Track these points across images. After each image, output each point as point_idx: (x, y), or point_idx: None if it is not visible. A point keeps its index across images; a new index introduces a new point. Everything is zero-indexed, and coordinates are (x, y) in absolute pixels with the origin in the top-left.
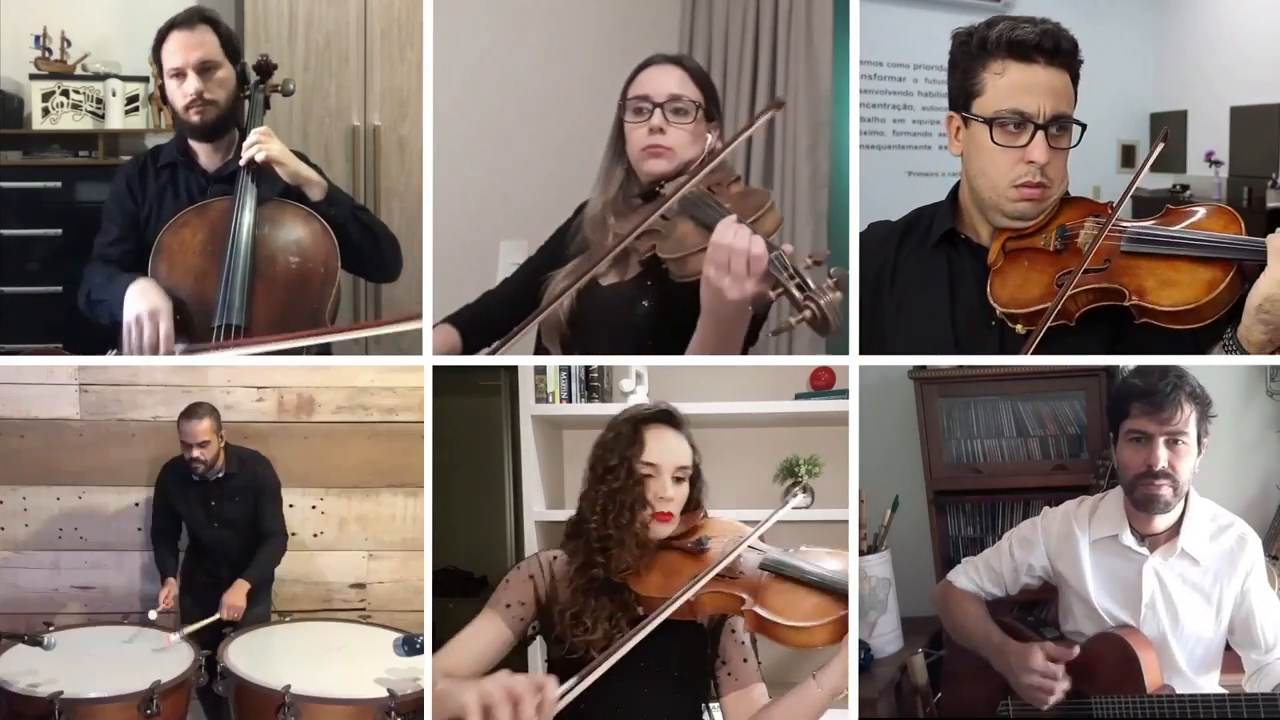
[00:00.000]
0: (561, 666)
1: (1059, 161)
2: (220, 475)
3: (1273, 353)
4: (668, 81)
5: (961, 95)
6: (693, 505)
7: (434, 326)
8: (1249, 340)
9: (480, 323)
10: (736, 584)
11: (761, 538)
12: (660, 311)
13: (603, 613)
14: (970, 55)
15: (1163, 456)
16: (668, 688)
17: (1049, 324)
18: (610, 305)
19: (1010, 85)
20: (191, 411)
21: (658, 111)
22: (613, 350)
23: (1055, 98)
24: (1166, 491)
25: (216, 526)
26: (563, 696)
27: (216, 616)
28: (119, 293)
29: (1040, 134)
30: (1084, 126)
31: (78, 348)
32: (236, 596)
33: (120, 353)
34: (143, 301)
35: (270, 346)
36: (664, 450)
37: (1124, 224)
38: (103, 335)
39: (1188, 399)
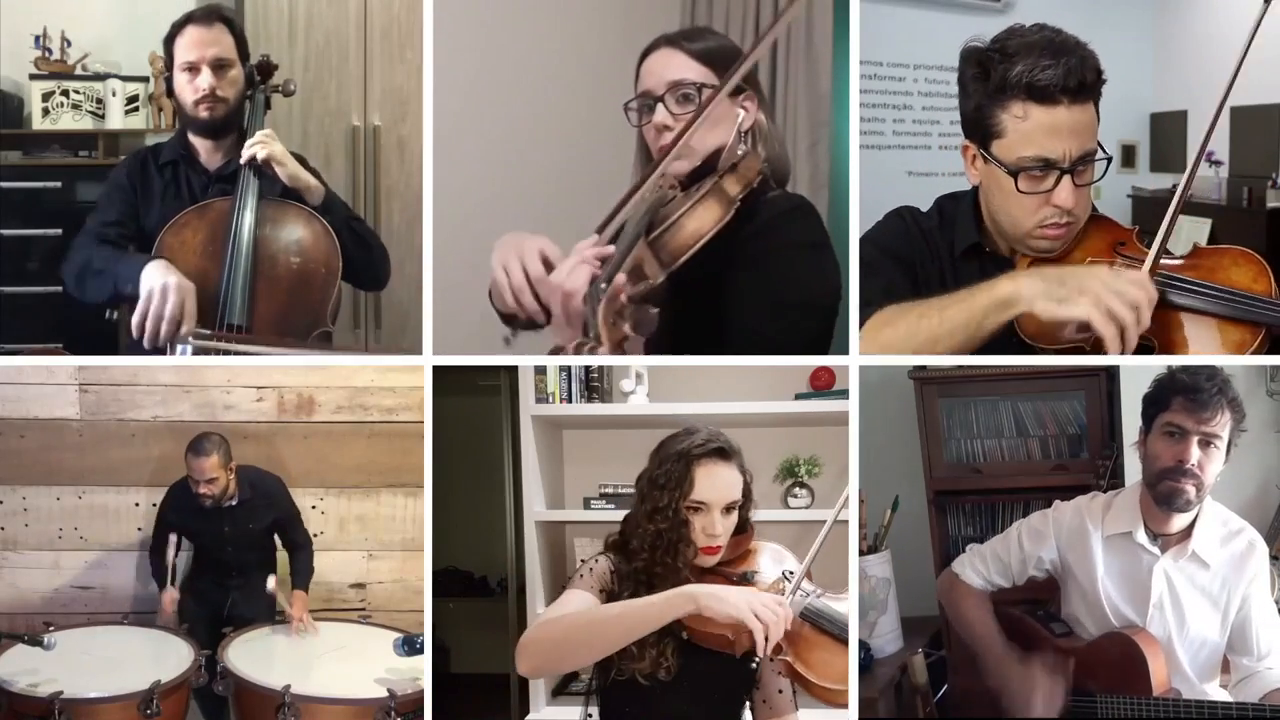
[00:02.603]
0: (609, 687)
1: (1084, 196)
2: (233, 503)
3: None
4: (667, 68)
5: (978, 131)
6: (741, 527)
7: None
8: None
9: None
10: None
11: (808, 574)
12: (677, 316)
13: (649, 638)
14: (986, 93)
15: (1194, 454)
16: (707, 711)
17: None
18: None
19: (1033, 130)
20: (199, 448)
21: (660, 106)
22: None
23: (1080, 138)
24: (1191, 490)
25: (231, 549)
26: None
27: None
28: (132, 268)
29: (1066, 178)
30: (1109, 159)
31: (78, 348)
32: (301, 609)
33: (114, 315)
34: (170, 275)
35: (272, 350)
36: (714, 487)
37: (1159, 267)
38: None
39: (1228, 404)
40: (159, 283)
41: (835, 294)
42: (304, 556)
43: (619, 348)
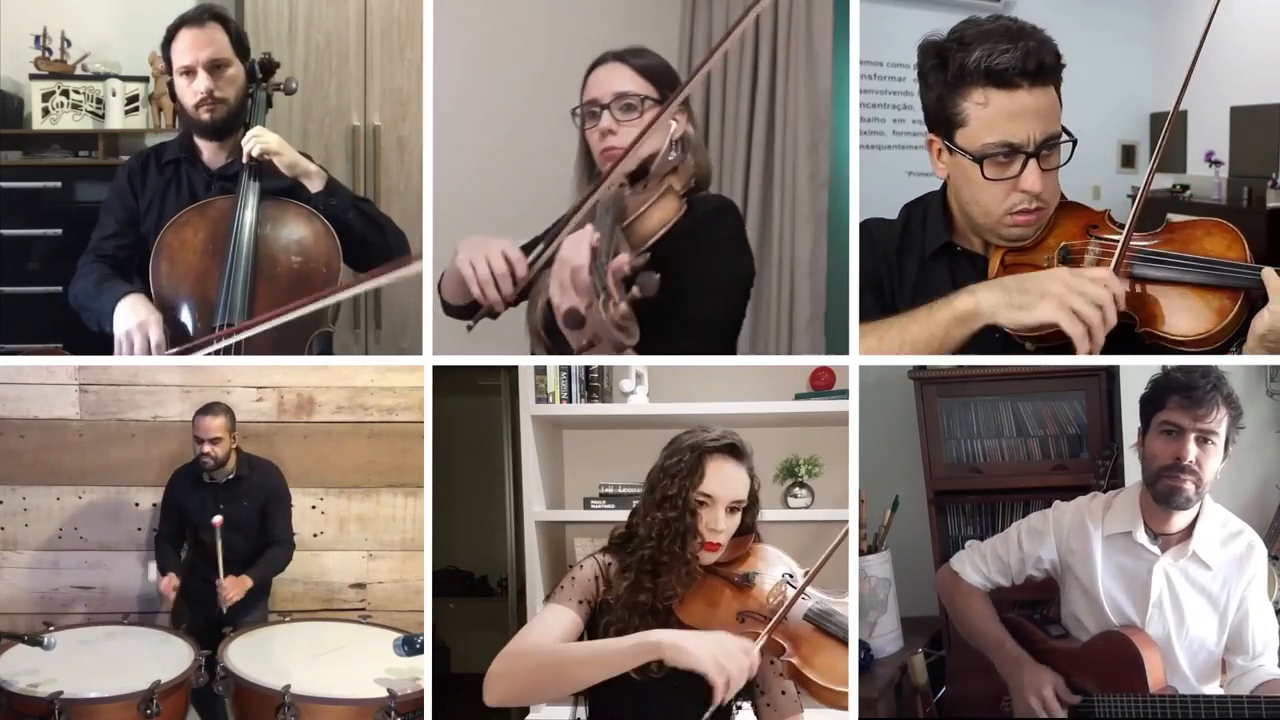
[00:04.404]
0: (599, 685)
1: (1051, 181)
2: (231, 478)
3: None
4: (612, 80)
5: (941, 122)
6: (744, 531)
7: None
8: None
9: None
10: (780, 630)
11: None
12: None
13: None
14: (946, 83)
15: (1192, 451)
16: (701, 706)
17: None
18: None
19: (995, 115)
20: (208, 408)
21: (605, 113)
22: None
23: (1043, 120)
24: (1189, 487)
25: (224, 532)
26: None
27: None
28: (107, 306)
29: (1032, 162)
30: (1075, 141)
31: (78, 348)
32: (237, 585)
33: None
34: (132, 316)
35: (275, 321)
36: (722, 483)
37: (1131, 244)
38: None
39: (1224, 401)
40: (124, 329)
41: (752, 275)
42: (276, 553)
43: (631, 308)
